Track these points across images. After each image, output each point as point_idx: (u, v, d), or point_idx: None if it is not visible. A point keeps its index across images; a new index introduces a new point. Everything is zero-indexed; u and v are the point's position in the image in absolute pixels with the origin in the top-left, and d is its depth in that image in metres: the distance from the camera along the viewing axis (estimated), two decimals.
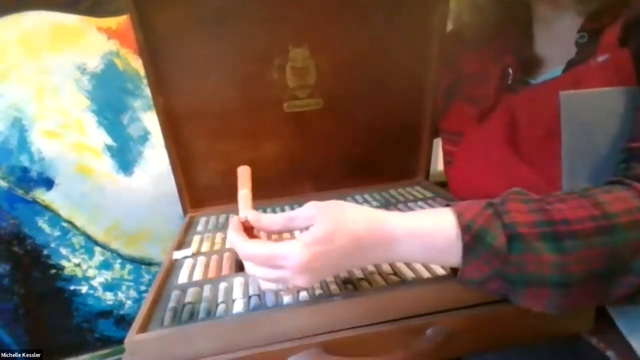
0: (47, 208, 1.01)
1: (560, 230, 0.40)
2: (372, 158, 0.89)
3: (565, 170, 0.54)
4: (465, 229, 0.42)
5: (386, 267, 0.55)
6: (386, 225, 0.43)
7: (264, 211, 0.82)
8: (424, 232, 0.43)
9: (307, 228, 0.43)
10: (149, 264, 1.11)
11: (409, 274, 0.53)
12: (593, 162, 0.53)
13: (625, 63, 0.51)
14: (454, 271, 0.48)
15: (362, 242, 0.42)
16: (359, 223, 0.42)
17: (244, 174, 0.54)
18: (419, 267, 0.54)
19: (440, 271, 0.53)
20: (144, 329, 0.46)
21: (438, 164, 1.06)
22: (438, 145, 0.92)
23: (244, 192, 0.50)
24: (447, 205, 0.45)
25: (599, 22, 0.56)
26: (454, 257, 0.43)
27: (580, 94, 0.52)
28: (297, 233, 0.60)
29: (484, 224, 0.41)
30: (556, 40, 0.63)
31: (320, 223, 0.41)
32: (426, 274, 0.53)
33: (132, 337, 0.44)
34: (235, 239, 0.44)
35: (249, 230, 0.46)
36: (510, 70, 0.66)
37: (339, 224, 0.41)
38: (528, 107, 0.62)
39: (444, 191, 0.83)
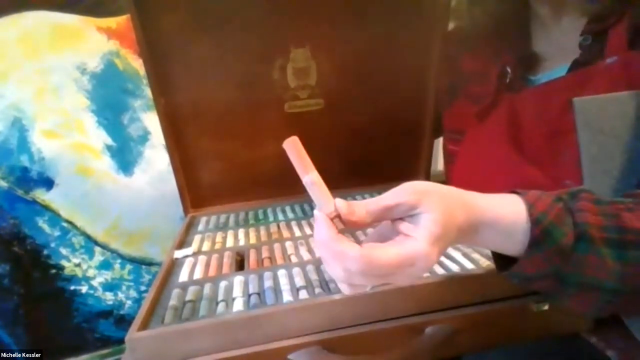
0: (47, 208, 1.01)
1: (629, 239, 0.39)
2: (373, 158, 0.89)
3: (586, 176, 0.53)
4: (536, 221, 0.39)
5: None
6: (478, 212, 0.40)
7: (264, 212, 0.82)
8: (505, 222, 0.40)
9: (402, 218, 0.38)
10: (149, 264, 1.11)
11: None
12: (613, 167, 0.52)
13: (634, 65, 0.51)
14: (497, 263, 0.45)
15: (463, 231, 0.39)
16: (459, 210, 0.38)
17: (296, 148, 0.39)
18: None
19: (440, 270, 0.53)
20: (144, 326, 0.46)
21: (438, 164, 1.06)
22: (438, 145, 0.92)
23: (312, 176, 0.38)
24: (515, 193, 0.43)
25: (603, 24, 0.56)
26: (518, 247, 0.40)
27: (594, 100, 0.52)
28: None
29: (554, 220, 0.39)
30: (555, 39, 0.64)
31: (433, 214, 0.36)
32: (426, 274, 0.53)
33: (133, 334, 0.44)
34: (347, 248, 0.35)
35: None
36: (509, 69, 0.67)
37: (450, 214, 0.37)
38: (532, 106, 0.62)
39: None
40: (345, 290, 0.38)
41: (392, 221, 0.39)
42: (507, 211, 0.40)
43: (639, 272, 0.39)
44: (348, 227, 0.39)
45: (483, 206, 0.40)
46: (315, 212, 0.39)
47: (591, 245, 0.39)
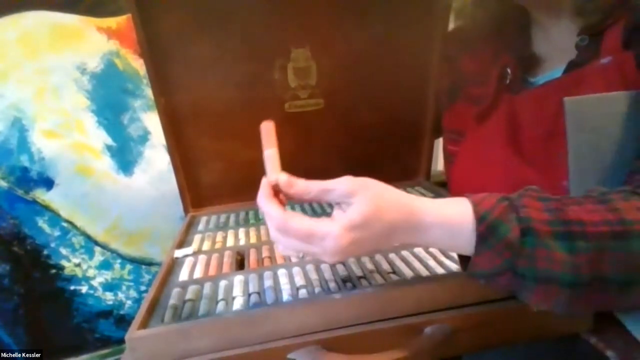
0: (47, 208, 1.01)
1: (574, 230, 0.40)
2: (373, 158, 0.89)
3: (573, 176, 0.54)
4: (480, 219, 0.41)
5: (386, 266, 0.55)
6: (418, 213, 0.42)
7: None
8: (450, 222, 0.42)
9: (338, 203, 0.42)
10: (149, 264, 1.11)
11: (408, 273, 0.53)
12: (600, 167, 0.52)
13: (628, 65, 0.51)
14: (463, 265, 0.47)
15: (396, 229, 0.41)
16: (393, 208, 0.41)
17: (268, 130, 0.48)
18: (417, 265, 0.55)
19: (440, 270, 0.53)
20: (144, 325, 0.46)
21: (438, 164, 1.06)
22: (438, 145, 0.92)
23: (271, 151, 0.46)
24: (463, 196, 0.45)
25: (601, 25, 0.56)
26: (468, 246, 0.42)
27: (584, 99, 0.52)
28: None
29: (498, 216, 0.41)
30: (554, 41, 0.64)
31: (359, 205, 0.40)
32: (425, 272, 0.53)
33: (133, 333, 0.44)
34: (271, 208, 0.42)
35: (275, 195, 0.44)
36: (509, 70, 0.67)
37: (377, 210, 0.40)
38: (530, 108, 0.62)
39: (445, 191, 0.83)
40: (279, 248, 0.47)
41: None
42: (453, 212, 0.42)
43: (592, 262, 0.39)
44: (289, 199, 0.45)
45: (426, 208, 0.42)
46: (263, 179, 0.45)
47: (537, 238, 0.40)
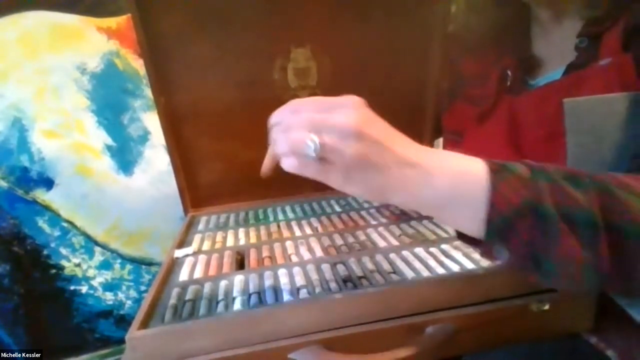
0: (47, 208, 1.01)
1: (578, 174, 0.39)
2: None
3: None
4: (489, 161, 0.39)
5: (386, 266, 0.55)
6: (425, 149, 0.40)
7: (264, 211, 0.82)
8: (459, 161, 0.40)
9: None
10: (149, 264, 1.11)
11: (409, 273, 0.53)
12: (599, 168, 0.52)
13: (627, 67, 0.52)
14: (463, 238, 0.43)
15: (402, 142, 0.40)
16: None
17: None
18: (418, 265, 0.55)
19: (440, 270, 0.53)
20: (144, 325, 0.46)
21: None
22: (439, 146, 0.92)
23: None
24: None
25: (600, 27, 0.56)
26: (480, 182, 0.38)
27: (583, 101, 0.53)
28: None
29: (507, 163, 0.39)
30: (554, 42, 0.64)
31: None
32: (425, 272, 0.53)
33: (133, 333, 0.44)
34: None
35: None
36: (509, 72, 0.67)
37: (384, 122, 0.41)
38: (530, 109, 0.62)
39: None
40: (286, 163, 0.42)
41: None
42: (462, 159, 0.40)
43: (601, 201, 0.37)
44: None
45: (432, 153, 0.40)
46: None
47: (548, 176, 0.38)
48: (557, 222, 0.37)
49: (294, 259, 0.60)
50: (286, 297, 0.50)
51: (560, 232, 0.37)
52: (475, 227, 0.39)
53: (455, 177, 0.39)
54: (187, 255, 0.64)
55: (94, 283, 1.07)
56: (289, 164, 0.41)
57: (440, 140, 0.90)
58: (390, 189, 0.39)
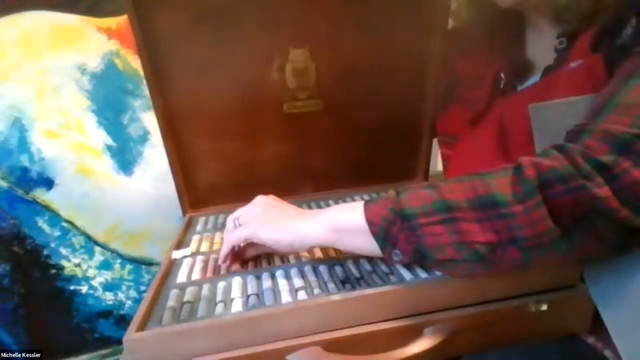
0: (47, 208, 1.01)
1: (438, 184, 0.46)
2: (371, 159, 0.89)
3: None
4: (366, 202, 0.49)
5: (384, 267, 0.55)
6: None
7: None
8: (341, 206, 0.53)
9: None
10: (149, 264, 1.11)
11: (407, 274, 0.53)
12: None
13: (597, 68, 0.51)
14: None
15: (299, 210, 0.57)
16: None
17: None
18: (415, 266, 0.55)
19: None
20: (142, 327, 0.46)
21: (438, 164, 1.06)
22: (437, 146, 0.92)
23: None
24: None
25: (576, 27, 0.56)
26: (359, 217, 0.48)
27: (548, 105, 0.53)
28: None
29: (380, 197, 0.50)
30: (545, 46, 0.64)
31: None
32: (423, 274, 0.53)
33: (131, 335, 0.44)
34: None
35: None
36: (502, 75, 0.67)
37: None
38: (513, 113, 0.63)
39: None
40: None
41: None
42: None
43: (453, 190, 0.44)
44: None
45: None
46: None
47: (408, 189, 0.47)
48: (417, 217, 0.44)
49: (292, 260, 0.60)
50: (284, 298, 0.50)
51: (421, 225, 0.44)
52: (371, 244, 0.48)
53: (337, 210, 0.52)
54: (185, 257, 0.64)
55: (94, 283, 1.08)
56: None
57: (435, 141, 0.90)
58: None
